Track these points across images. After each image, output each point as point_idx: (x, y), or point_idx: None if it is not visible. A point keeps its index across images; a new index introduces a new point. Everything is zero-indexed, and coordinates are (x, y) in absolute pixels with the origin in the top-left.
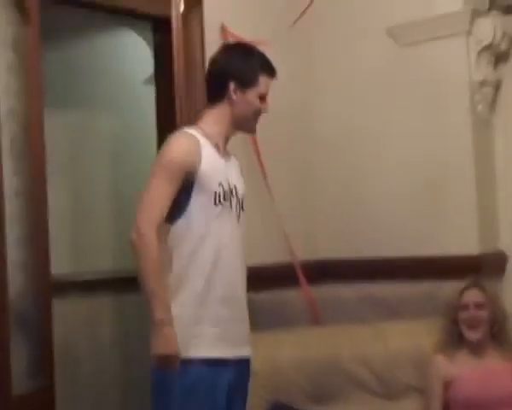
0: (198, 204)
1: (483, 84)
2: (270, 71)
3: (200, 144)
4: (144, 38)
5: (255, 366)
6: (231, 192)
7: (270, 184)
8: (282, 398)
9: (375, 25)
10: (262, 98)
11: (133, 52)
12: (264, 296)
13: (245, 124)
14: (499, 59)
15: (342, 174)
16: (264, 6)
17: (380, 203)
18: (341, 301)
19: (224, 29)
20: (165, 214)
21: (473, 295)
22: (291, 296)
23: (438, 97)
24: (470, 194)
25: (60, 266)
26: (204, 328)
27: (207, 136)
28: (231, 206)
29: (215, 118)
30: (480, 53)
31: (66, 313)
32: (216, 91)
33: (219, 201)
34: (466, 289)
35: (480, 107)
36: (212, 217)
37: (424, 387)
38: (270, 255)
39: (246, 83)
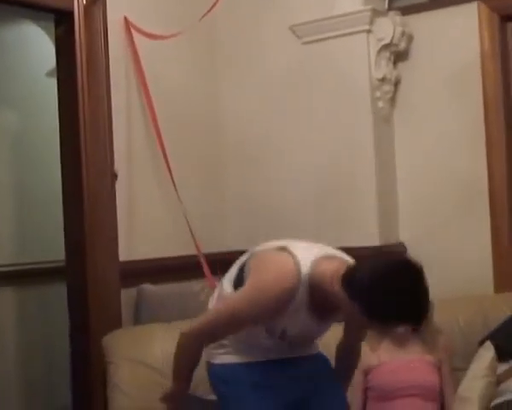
0: None
1: (383, 81)
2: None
3: None
4: (47, 32)
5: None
6: None
7: (176, 180)
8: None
9: (279, 23)
10: None
11: (35, 45)
12: (170, 288)
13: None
14: (398, 57)
15: (248, 171)
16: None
17: (284, 196)
18: None
19: (127, 22)
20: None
21: None
22: (197, 288)
23: (340, 94)
24: (371, 187)
25: None
26: None
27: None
28: None
29: (331, 296)
30: (379, 51)
31: None
32: (351, 293)
33: None
34: None
35: (380, 103)
36: None
37: None
38: (177, 248)
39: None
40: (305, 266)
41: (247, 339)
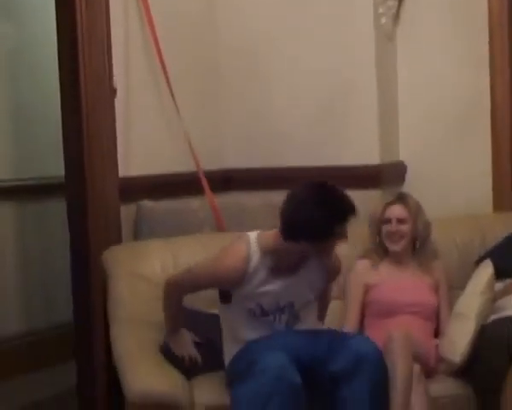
0: None
1: None
2: (344, 219)
3: None
4: None
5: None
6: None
7: (175, 94)
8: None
9: None
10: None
11: None
12: (169, 204)
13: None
14: None
15: (248, 84)
16: None
17: (284, 113)
18: (245, 209)
19: None
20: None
21: (396, 211)
22: (196, 204)
23: (342, 10)
24: (372, 106)
25: None
26: None
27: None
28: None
29: (283, 250)
30: None
31: None
32: (290, 237)
33: None
34: (390, 204)
35: (383, 19)
36: None
37: (345, 290)
38: (176, 164)
39: (320, 238)
40: (253, 235)
41: (240, 326)
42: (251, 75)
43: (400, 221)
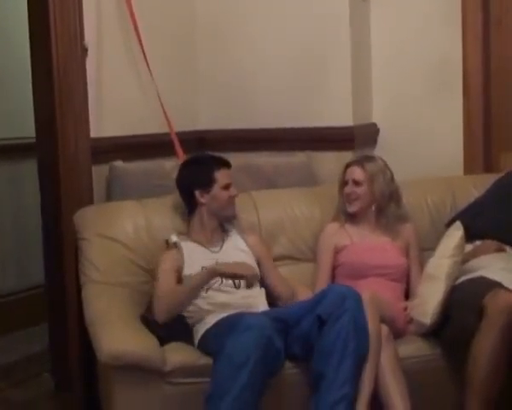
0: None
1: None
2: (222, 163)
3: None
4: None
5: (130, 237)
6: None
7: (148, 55)
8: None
9: None
10: (226, 188)
11: None
12: (141, 166)
13: (223, 213)
14: None
15: (222, 46)
16: None
17: (257, 74)
18: None
19: None
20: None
21: (352, 173)
22: (169, 166)
23: None
24: (345, 67)
25: None
26: None
27: (191, 238)
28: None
29: (198, 222)
30: None
31: None
32: (189, 203)
33: None
34: (348, 165)
35: None
36: None
37: (316, 252)
38: (149, 125)
39: (207, 184)
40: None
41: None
42: (225, 35)
43: (356, 183)
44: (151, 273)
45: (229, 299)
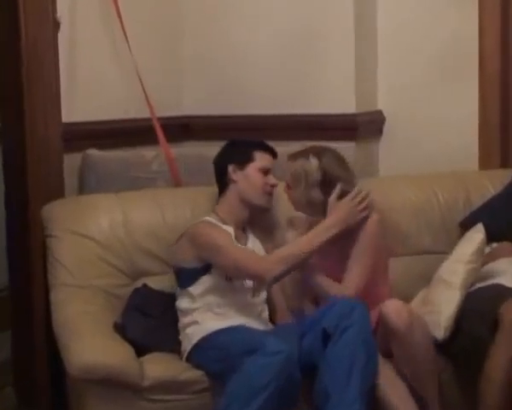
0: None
1: None
2: (264, 147)
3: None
4: None
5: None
6: None
7: (128, 32)
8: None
9: None
10: (265, 173)
11: None
12: (119, 155)
13: (255, 200)
14: None
15: (210, 27)
16: None
17: (249, 53)
18: (205, 161)
19: None
20: None
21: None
22: (149, 155)
23: None
24: (349, 51)
25: None
26: None
27: (223, 220)
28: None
29: (226, 203)
30: None
31: None
32: (221, 180)
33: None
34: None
35: None
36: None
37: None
38: (127, 109)
39: (242, 160)
40: (209, 218)
41: (216, 295)
42: (214, 16)
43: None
44: (128, 275)
45: (240, 302)
